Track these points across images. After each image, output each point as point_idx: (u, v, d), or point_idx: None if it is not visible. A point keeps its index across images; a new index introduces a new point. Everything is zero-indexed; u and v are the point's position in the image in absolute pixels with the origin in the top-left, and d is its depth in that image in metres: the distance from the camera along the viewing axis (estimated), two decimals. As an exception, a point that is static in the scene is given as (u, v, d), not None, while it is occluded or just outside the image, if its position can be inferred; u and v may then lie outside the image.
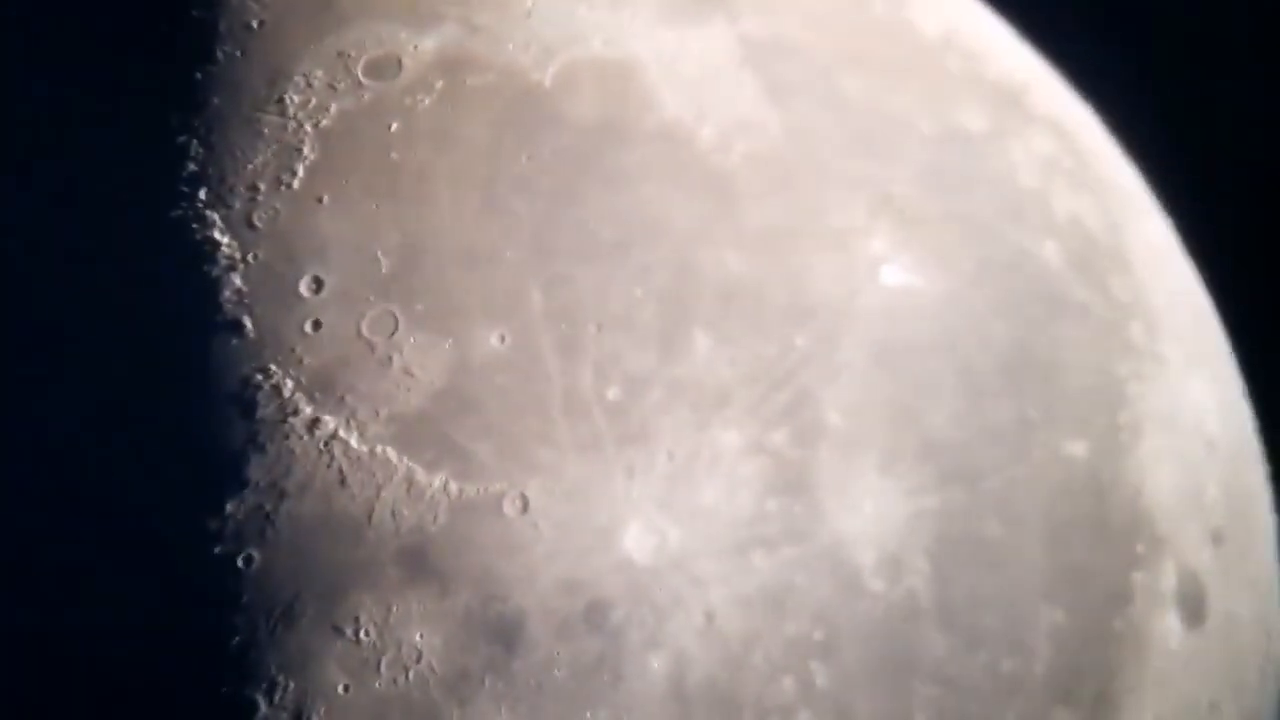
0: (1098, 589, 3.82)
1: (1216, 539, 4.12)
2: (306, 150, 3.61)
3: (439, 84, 3.70)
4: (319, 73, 3.69)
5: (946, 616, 3.60)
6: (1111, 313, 4.06)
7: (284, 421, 3.44)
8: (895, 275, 3.76)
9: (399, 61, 3.71)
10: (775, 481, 3.53)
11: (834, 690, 3.50)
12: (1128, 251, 4.25)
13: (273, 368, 3.46)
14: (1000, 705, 3.64)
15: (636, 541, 3.44)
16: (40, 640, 3.41)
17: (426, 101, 3.68)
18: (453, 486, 3.42)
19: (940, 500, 3.63)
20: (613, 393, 3.50)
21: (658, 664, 3.43)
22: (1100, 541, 3.84)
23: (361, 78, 3.68)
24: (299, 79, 3.68)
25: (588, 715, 3.41)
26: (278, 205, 3.56)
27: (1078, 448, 3.84)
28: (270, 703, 3.37)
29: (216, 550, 3.38)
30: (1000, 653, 3.65)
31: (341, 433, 3.43)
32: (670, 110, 3.79)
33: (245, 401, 3.44)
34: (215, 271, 3.51)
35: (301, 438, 3.43)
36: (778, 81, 3.90)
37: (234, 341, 3.47)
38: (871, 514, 3.58)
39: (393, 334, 3.47)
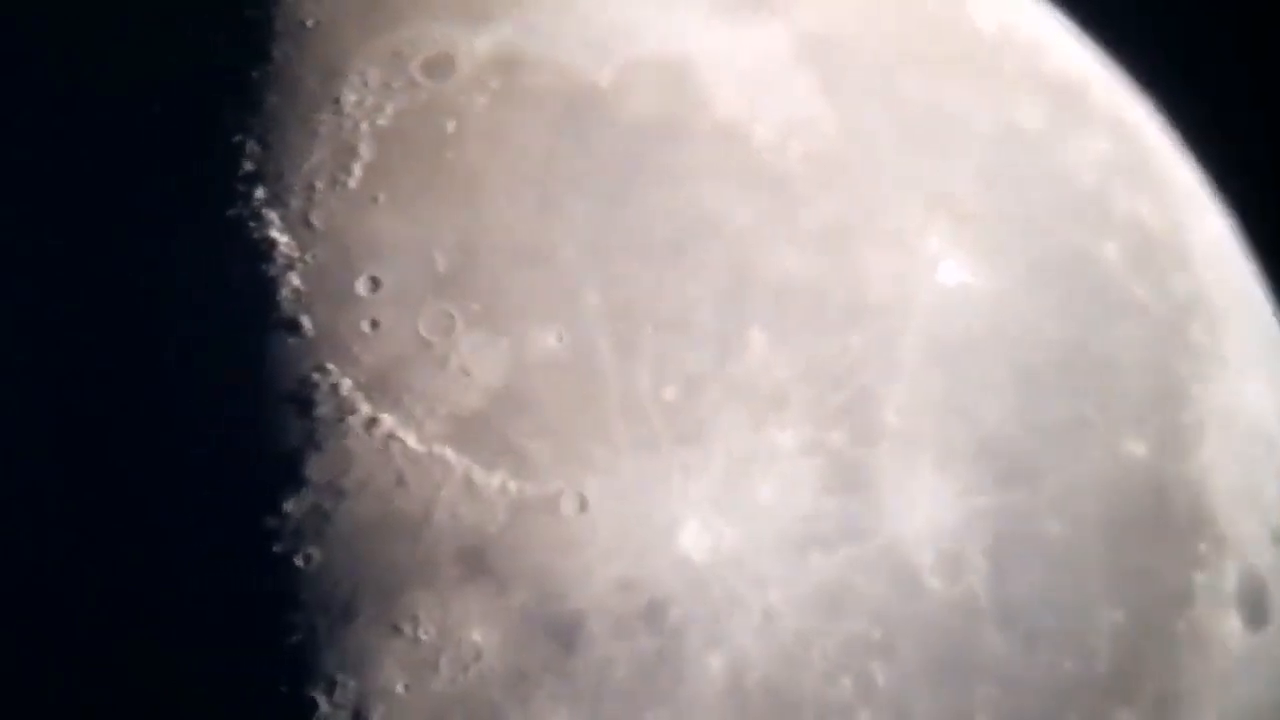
0: (1159, 589, 3.80)
1: (1278, 539, 4.08)
2: (363, 149, 3.61)
3: (494, 83, 3.70)
4: (374, 72, 3.69)
5: (1006, 616, 3.58)
6: (1171, 312, 4.03)
7: (342, 420, 3.44)
8: (952, 274, 3.74)
9: (454, 61, 3.70)
10: (833, 481, 3.52)
11: (893, 689, 3.49)
12: (1187, 250, 4.22)
13: (331, 366, 3.46)
14: (1060, 705, 3.63)
15: (694, 540, 3.43)
16: (102, 640, 3.42)
17: (482, 101, 3.68)
18: (510, 486, 3.41)
19: (998, 499, 3.61)
20: (670, 392, 3.49)
21: (716, 663, 3.42)
22: (1161, 541, 3.81)
23: (417, 77, 3.68)
24: (354, 78, 3.68)
25: (647, 714, 3.40)
26: (334, 204, 3.56)
27: (1137, 447, 3.81)
28: (330, 701, 3.37)
29: (275, 549, 3.39)
30: (1060, 653, 3.63)
31: (399, 432, 3.43)
32: (726, 109, 3.78)
33: (303, 400, 3.45)
34: (273, 271, 3.51)
35: (359, 437, 3.43)
36: (834, 79, 3.89)
37: (292, 340, 3.47)
38: (929, 513, 3.56)
39: (450, 333, 3.47)
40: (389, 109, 3.66)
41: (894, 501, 3.54)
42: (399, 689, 3.38)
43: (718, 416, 3.51)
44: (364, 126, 3.64)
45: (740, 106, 3.80)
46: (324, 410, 3.46)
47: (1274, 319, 4.61)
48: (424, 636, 3.38)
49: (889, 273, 3.69)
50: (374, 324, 3.49)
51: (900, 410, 3.59)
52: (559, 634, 3.40)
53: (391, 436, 3.44)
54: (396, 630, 3.38)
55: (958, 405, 3.64)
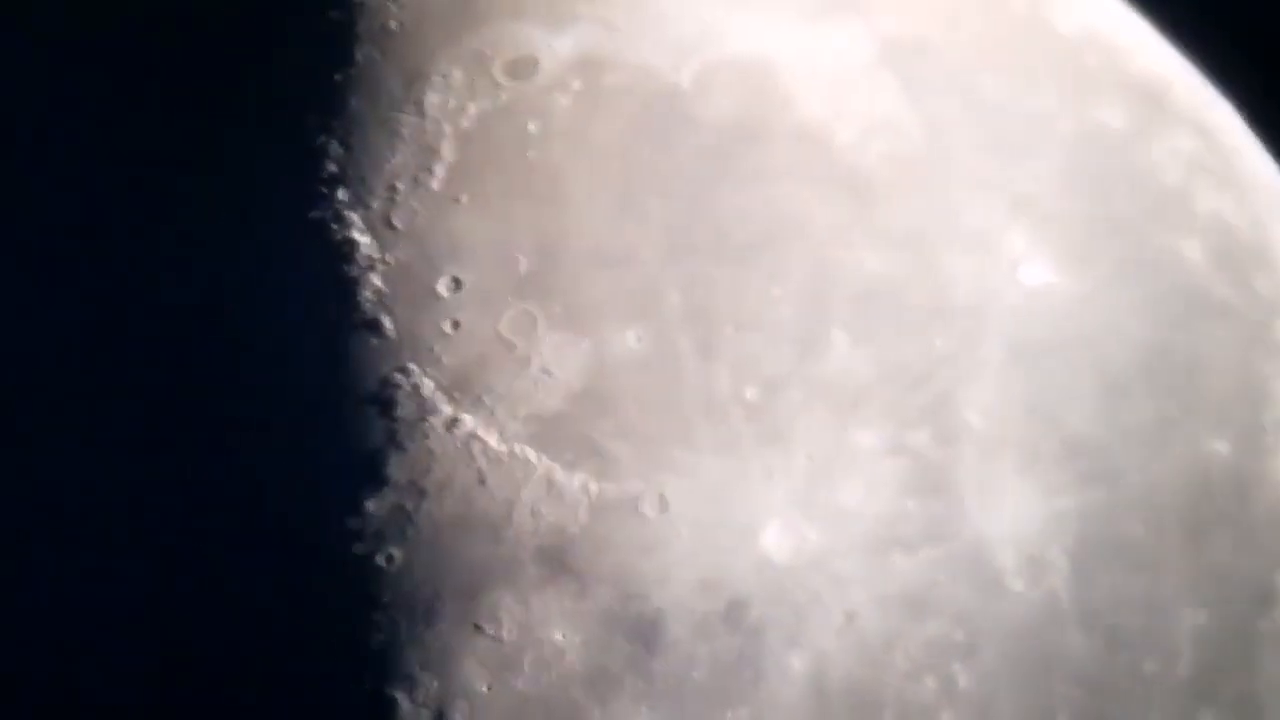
0: (1241, 590, 3.78)
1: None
2: (445, 151, 3.62)
3: (576, 84, 3.71)
4: (457, 73, 3.70)
5: (1088, 617, 3.58)
6: (1255, 311, 4.01)
7: (423, 421, 3.45)
8: (1034, 275, 3.73)
9: (536, 62, 3.71)
10: (915, 482, 3.52)
11: (975, 691, 3.48)
12: (1270, 249, 4.20)
13: (412, 367, 3.47)
14: (1142, 706, 3.62)
15: (775, 541, 3.43)
16: (183, 641, 3.44)
17: (564, 102, 3.68)
18: (592, 486, 3.42)
19: (1080, 500, 3.60)
20: (750, 393, 3.49)
21: (798, 663, 3.42)
22: (1243, 542, 3.80)
23: (499, 78, 3.69)
24: (437, 80, 3.70)
25: (727, 714, 3.41)
26: (416, 205, 3.57)
27: (1220, 447, 3.80)
28: (412, 701, 3.39)
29: (357, 549, 3.40)
30: (1142, 653, 3.62)
31: (480, 432, 3.44)
32: (807, 110, 3.78)
33: (385, 401, 3.46)
34: (354, 272, 3.52)
35: (441, 437, 3.45)
36: (915, 80, 3.88)
37: (373, 341, 3.49)
38: (1012, 514, 3.55)
39: (531, 333, 3.48)
40: (471, 110, 3.67)
41: (976, 502, 3.54)
42: (481, 688, 3.39)
43: (799, 417, 3.51)
44: (446, 128, 3.65)
45: (821, 107, 3.79)
46: (406, 411, 3.47)
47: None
48: (506, 636, 3.40)
49: (971, 273, 3.68)
50: (455, 324, 3.51)
51: (982, 411, 3.58)
52: (640, 634, 3.41)
53: (473, 436, 3.45)
54: (479, 630, 3.39)
55: (1040, 406, 3.63)
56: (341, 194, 3.61)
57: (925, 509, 3.51)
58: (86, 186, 3.72)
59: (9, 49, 3.92)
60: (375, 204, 3.59)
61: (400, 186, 3.60)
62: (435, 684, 3.39)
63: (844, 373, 3.55)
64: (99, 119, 3.77)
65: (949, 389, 3.57)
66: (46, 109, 3.83)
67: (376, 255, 3.56)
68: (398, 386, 3.48)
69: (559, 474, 3.44)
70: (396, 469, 3.44)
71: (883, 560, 3.47)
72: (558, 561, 3.41)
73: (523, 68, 3.72)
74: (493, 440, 3.45)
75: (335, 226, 3.58)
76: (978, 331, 3.62)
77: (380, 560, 3.41)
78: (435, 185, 3.60)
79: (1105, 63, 4.22)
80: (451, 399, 3.46)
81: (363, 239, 3.57)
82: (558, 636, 3.39)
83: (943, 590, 3.49)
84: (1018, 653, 3.53)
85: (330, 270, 3.55)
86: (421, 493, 3.43)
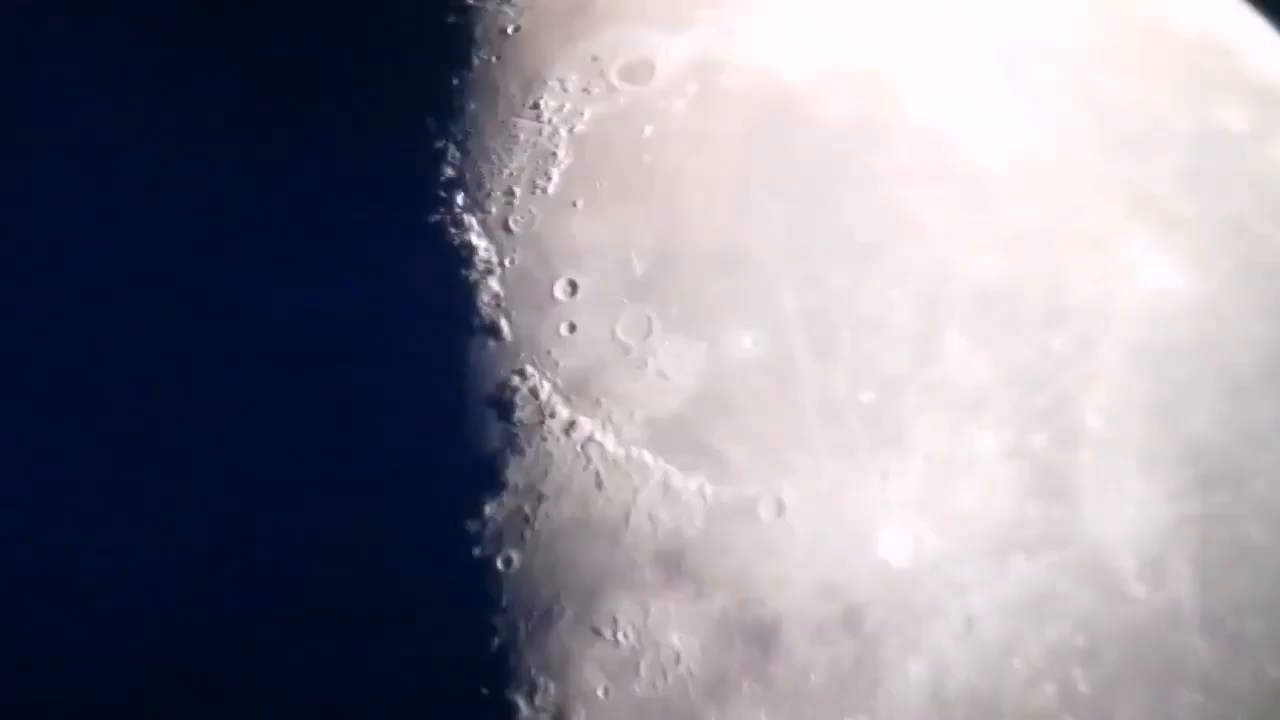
0: (1367, 594, 3.74)
1: None
2: (561, 154, 3.63)
3: (692, 87, 3.71)
4: (573, 77, 3.71)
5: (1210, 622, 3.55)
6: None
7: (541, 424, 3.46)
8: (1154, 276, 3.71)
9: (652, 65, 3.71)
10: (1034, 485, 3.50)
11: (1096, 696, 3.46)
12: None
13: (530, 370, 3.48)
14: (1266, 712, 3.57)
15: (893, 545, 3.42)
16: (307, 645, 3.46)
17: (680, 104, 3.69)
18: (708, 489, 3.42)
19: (1202, 504, 3.57)
20: (867, 396, 3.48)
21: (916, 669, 3.41)
22: (1368, 546, 3.76)
23: (615, 81, 3.70)
24: (554, 83, 3.71)
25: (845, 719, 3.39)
26: (533, 209, 3.58)
27: (1344, 450, 3.76)
28: (531, 704, 3.39)
29: (476, 552, 3.41)
30: (1266, 659, 3.59)
31: (598, 435, 3.45)
32: (925, 111, 3.77)
33: (503, 404, 3.47)
34: (473, 276, 3.54)
35: (558, 440, 3.45)
36: (1035, 82, 3.86)
37: (491, 345, 3.50)
38: (1133, 518, 3.53)
39: (647, 336, 3.48)
40: (587, 114, 3.68)
41: (1096, 506, 3.51)
42: (599, 692, 3.40)
43: (916, 420, 3.50)
44: (563, 132, 3.66)
45: (939, 108, 3.78)
46: (524, 414, 3.48)
47: None
48: (623, 640, 3.40)
49: (1090, 275, 3.66)
50: (572, 327, 3.52)
51: (1102, 413, 3.56)
52: (758, 638, 3.41)
53: (590, 440, 3.46)
54: (596, 633, 3.40)
55: (1161, 408, 3.61)
56: (460, 198, 3.62)
57: (1045, 512, 3.49)
58: (210, 185, 3.75)
59: (155, 55, 3.95)
60: (493, 208, 3.61)
61: (517, 190, 3.62)
62: (553, 688, 3.40)
63: (961, 375, 3.53)
64: (230, 119, 3.81)
65: (1068, 391, 3.55)
66: (183, 109, 3.86)
67: (494, 259, 3.57)
68: (516, 390, 3.49)
69: (675, 477, 3.44)
70: (515, 472, 3.45)
71: (1002, 564, 3.45)
72: (675, 565, 3.41)
73: (639, 71, 3.72)
74: (610, 443, 3.45)
75: (453, 230, 3.60)
76: (1097, 333, 3.60)
77: (499, 563, 3.42)
78: (552, 189, 3.61)
79: (1225, 64, 4.19)
80: (569, 402, 3.47)
81: (480, 243, 3.58)
82: (675, 640, 3.39)
83: (1064, 595, 3.47)
84: (1139, 658, 3.50)
85: (448, 274, 3.56)
86: (540, 496, 3.43)
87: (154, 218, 3.74)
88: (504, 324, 3.51)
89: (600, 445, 3.45)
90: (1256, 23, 4.51)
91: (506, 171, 3.62)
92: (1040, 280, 3.63)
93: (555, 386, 3.47)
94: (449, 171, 3.63)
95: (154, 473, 3.56)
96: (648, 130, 3.66)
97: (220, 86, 3.85)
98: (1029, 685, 3.44)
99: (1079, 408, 3.56)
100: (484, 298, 3.53)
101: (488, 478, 3.45)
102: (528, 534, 3.41)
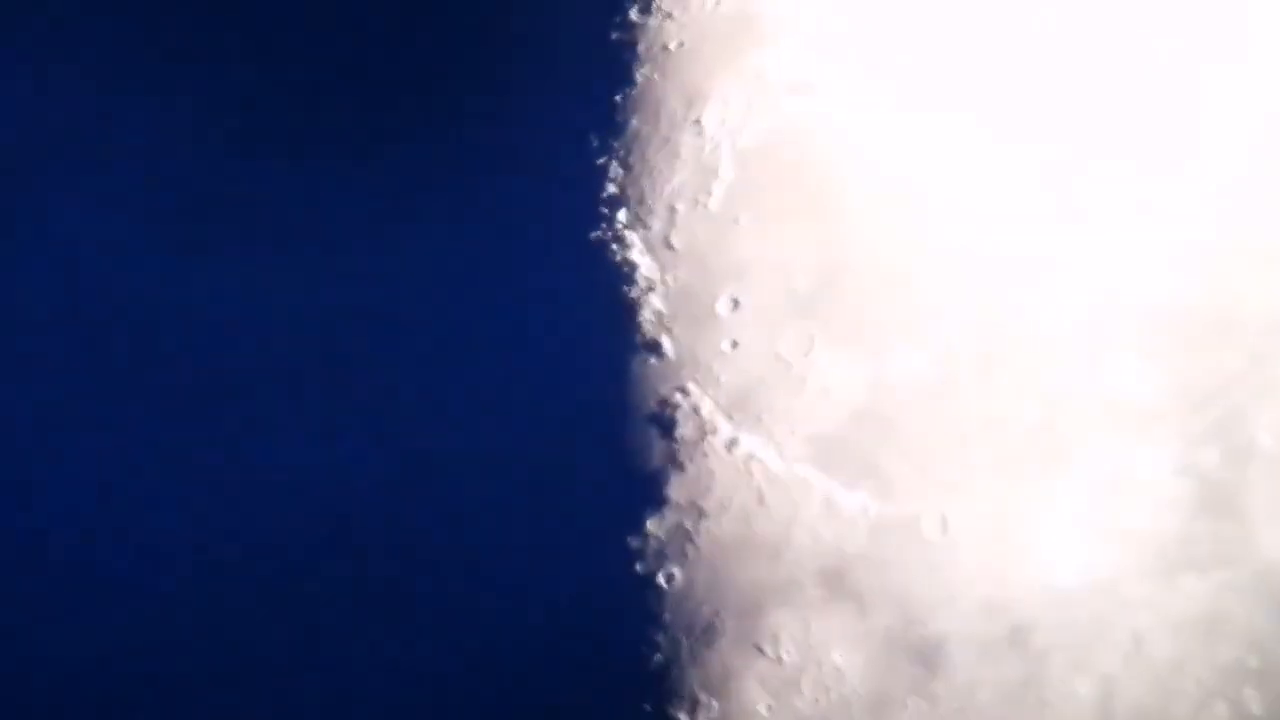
0: None
1: None
2: (724, 171, 3.62)
3: (857, 104, 3.69)
4: (736, 93, 3.70)
5: (1385, 644, 3.49)
6: None
7: (703, 440, 3.46)
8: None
9: (815, 83, 3.70)
10: (1204, 502, 3.45)
11: (1270, 717, 3.41)
12: None
13: (691, 387, 3.48)
14: None
15: (1059, 564, 3.39)
16: (473, 661, 3.49)
17: (844, 121, 3.67)
18: (871, 506, 3.41)
19: (1379, 524, 3.51)
20: (1032, 412, 3.45)
21: (1084, 688, 3.38)
22: None
23: (779, 98, 3.68)
24: (716, 99, 3.69)
25: (1013, 739, 3.38)
26: (695, 226, 3.58)
27: None
28: (694, 721, 3.40)
29: (638, 568, 3.42)
30: None
31: (760, 452, 3.44)
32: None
33: (665, 421, 3.48)
34: (635, 293, 3.54)
35: (720, 457, 3.46)
36: (1214, 95, 3.80)
37: (653, 361, 3.50)
38: (1306, 537, 3.47)
39: (809, 353, 3.47)
40: (751, 130, 3.67)
41: (1269, 524, 3.46)
42: (762, 709, 3.40)
43: (1082, 437, 3.46)
44: (725, 147, 3.65)
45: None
46: (685, 430, 3.48)
47: None
48: (786, 657, 3.40)
49: (1261, 291, 3.60)
50: (734, 344, 3.51)
51: (1274, 430, 3.50)
52: (922, 656, 3.39)
53: (752, 456, 3.46)
54: (759, 650, 3.40)
55: (1335, 426, 3.55)
56: (622, 215, 3.63)
57: (1215, 531, 3.44)
58: (366, 205, 3.79)
59: (291, 78, 3.99)
60: (655, 225, 3.61)
61: (679, 207, 3.61)
62: (716, 705, 3.40)
63: (1129, 391, 3.49)
64: (374, 134, 3.84)
65: (1240, 407, 3.50)
66: (344, 126, 3.90)
67: (656, 276, 3.57)
68: (678, 406, 3.50)
69: (838, 494, 3.43)
70: (677, 488, 3.45)
71: (1171, 583, 3.41)
72: (837, 582, 3.41)
73: (802, 88, 3.70)
74: (771, 460, 3.45)
75: (615, 247, 3.60)
76: (1269, 349, 3.54)
77: (661, 579, 3.42)
78: (714, 205, 3.61)
79: None
80: (731, 419, 3.47)
81: (643, 260, 3.58)
82: (837, 658, 3.38)
83: (1235, 615, 3.42)
84: (1313, 679, 3.45)
85: (611, 291, 3.57)
86: (701, 512, 3.44)
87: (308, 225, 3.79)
88: (666, 341, 3.52)
89: (762, 462, 3.44)
90: None
91: (669, 188, 3.62)
92: (1210, 296, 3.57)
93: (717, 403, 3.48)
94: (611, 189, 3.64)
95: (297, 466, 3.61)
96: (811, 146, 3.64)
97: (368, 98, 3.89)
98: (1200, 705, 3.40)
99: (1250, 424, 3.50)
100: (646, 314, 3.54)
101: (650, 494, 3.45)
102: (690, 550, 3.42)
